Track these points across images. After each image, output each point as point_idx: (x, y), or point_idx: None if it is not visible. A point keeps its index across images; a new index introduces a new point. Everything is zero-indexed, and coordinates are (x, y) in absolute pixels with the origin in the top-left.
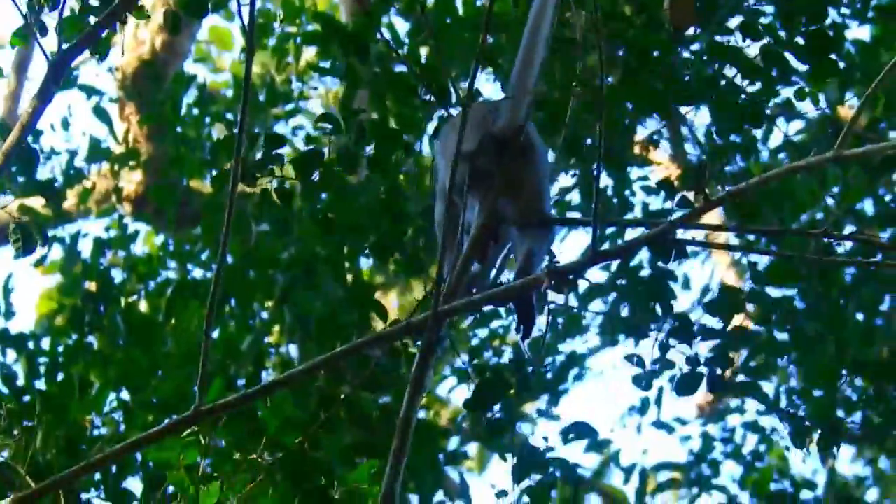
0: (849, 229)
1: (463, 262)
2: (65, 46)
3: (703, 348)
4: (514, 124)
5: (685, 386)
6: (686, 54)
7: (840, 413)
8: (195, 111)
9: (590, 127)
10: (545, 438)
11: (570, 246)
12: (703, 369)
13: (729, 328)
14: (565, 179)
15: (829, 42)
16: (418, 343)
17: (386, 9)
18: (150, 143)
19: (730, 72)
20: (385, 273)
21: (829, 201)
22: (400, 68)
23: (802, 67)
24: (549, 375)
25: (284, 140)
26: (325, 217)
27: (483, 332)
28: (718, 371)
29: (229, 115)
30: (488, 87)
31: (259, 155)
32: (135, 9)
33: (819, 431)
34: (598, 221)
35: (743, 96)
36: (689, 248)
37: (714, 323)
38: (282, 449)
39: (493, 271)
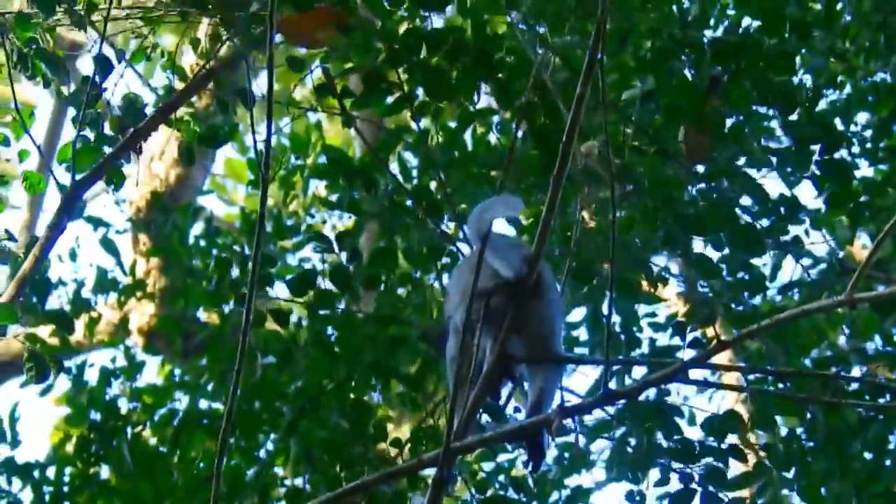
0: (856, 367)
1: (475, 399)
2: (78, 177)
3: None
4: (529, 265)
5: (679, 502)
6: (698, 187)
7: None
8: (202, 242)
9: (595, 260)
10: None
11: (577, 379)
12: (696, 486)
13: (727, 446)
14: (574, 314)
15: (844, 171)
16: (429, 475)
17: (395, 142)
18: (161, 276)
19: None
20: (390, 403)
21: (838, 339)
22: (408, 202)
23: (813, 204)
24: None
25: (275, 261)
26: (330, 348)
27: (489, 466)
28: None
29: (236, 247)
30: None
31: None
32: (169, 122)
33: None
34: (609, 363)
35: (752, 223)
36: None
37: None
38: None
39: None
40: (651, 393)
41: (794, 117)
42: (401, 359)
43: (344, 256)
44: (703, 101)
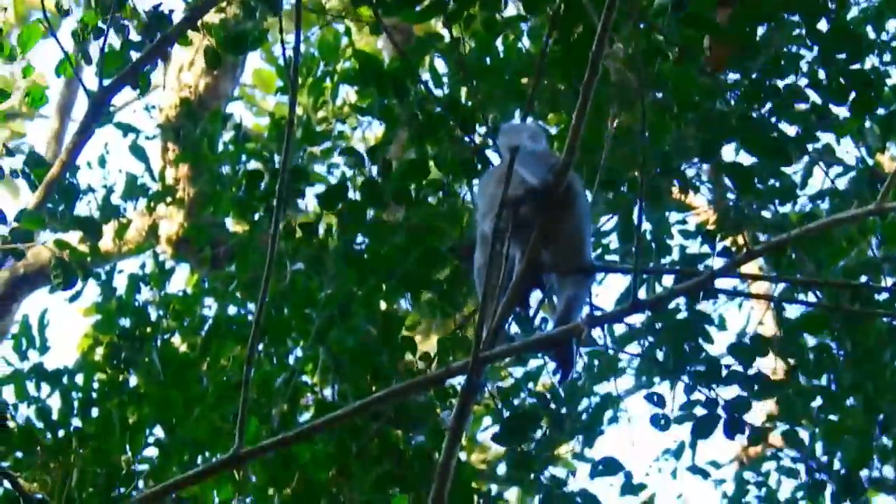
0: (887, 277)
1: (504, 308)
2: (105, 83)
3: (729, 392)
4: (557, 175)
5: (702, 429)
6: (725, 96)
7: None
8: (231, 148)
9: (625, 168)
10: (572, 473)
11: (608, 286)
12: (720, 412)
13: (752, 373)
14: (604, 222)
15: (869, 80)
16: (456, 385)
17: (426, 50)
18: (190, 184)
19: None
20: (420, 312)
21: (867, 247)
22: (438, 109)
23: (843, 113)
24: (583, 417)
25: (308, 174)
26: (361, 256)
27: (518, 371)
28: (736, 415)
29: (265, 154)
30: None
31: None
32: (179, 39)
33: (832, 487)
34: (638, 271)
35: (780, 138)
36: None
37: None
38: (314, 483)
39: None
40: (681, 302)
41: (821, 26)
42: (432, 270)
43: (375, 170)
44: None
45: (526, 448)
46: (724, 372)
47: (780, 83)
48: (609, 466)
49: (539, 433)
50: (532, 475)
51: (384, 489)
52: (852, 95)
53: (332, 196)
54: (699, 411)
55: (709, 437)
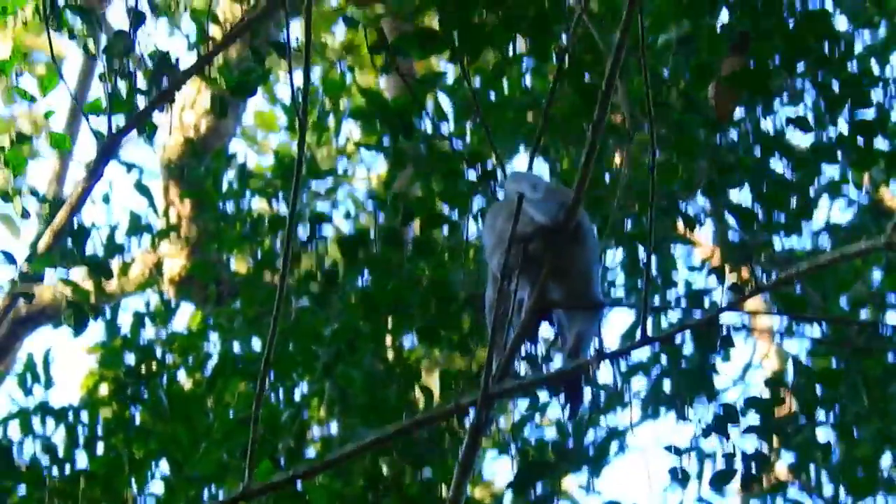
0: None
1: (513, 344)
2: (115, 129)
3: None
4: (567, 210)
5: (719, 481)
6: (729, 140)
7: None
8: (235, 186)
9: (631, 207)
10: None
11: (613, 321)
12: (738, 464)
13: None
14: (609, 256)
15: (873, 129)
16: (465, 422)
17: (431, 88)
18: (193, 223)
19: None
20: (428, 351)
21: (873, 279)
22: (445, 146)
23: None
24: (590, 449)
25: (328, 218)
26: (368, 295)
27: (525, 406)
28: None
29: (269, 190)
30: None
31: (303, 234)
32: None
33: None
34: (647, 306)
35: (784, 178)
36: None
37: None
38: None
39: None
40: (687, 335)
41: (823, 76)
42: (448, 322)
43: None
44: (729, 54)
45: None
46: (742, 421)
47: (785, 112)
48: None
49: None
50: None
51: None
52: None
53: (353, 242)
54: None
55: (726, 486)
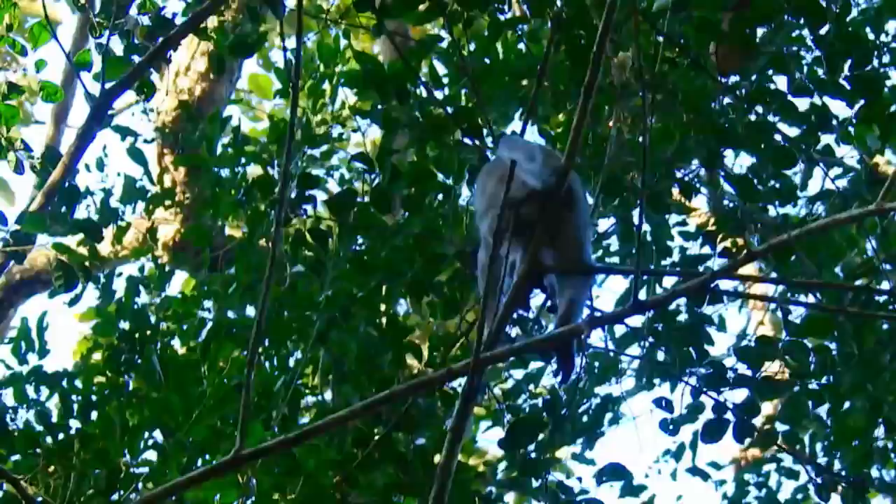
0: (886, 279)
1: (505, 309)
2: (107, 86)
3: (734, 395)
4: (559, 175)
5: (711, 432)
6: (729, 99)
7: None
8: (230, 151)
9: (629, 168)
10: (579, 479)
11: (608, 288)
12: (729, 416)
13: (760, 377)
14: (604, 223)
15: (875, 86)
16: (457, 387)
17: (426, 52)
18: (187, 189)
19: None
20: (421, 315)
21: (868, 247)
22: (439, 111)
23: (844, 113)
24: (584, 419)
25: (318, 180)
26: (361, 258)
27: (518, 373)
28: (745, 419)
29: (264, 156)
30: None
31: (293, 195)
32: (199, 32)
33: (843, 487)
34: (639, 272)
35: (783, 140)
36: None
37: (746, 371)
38: (319, 488)
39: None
40: (681, 304)
41: (824, 31)
42: (435, 275)
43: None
44: (731, 12)
45: (527, 452)
46: (732, 376)
47: (783, 79)
48: (615, 473)
49: (541, 436)
50: (535, 479)
51: (389, 497)
52: (860, 102)
53: (342, 202)
54: (706, 414)
55: (718, 440)
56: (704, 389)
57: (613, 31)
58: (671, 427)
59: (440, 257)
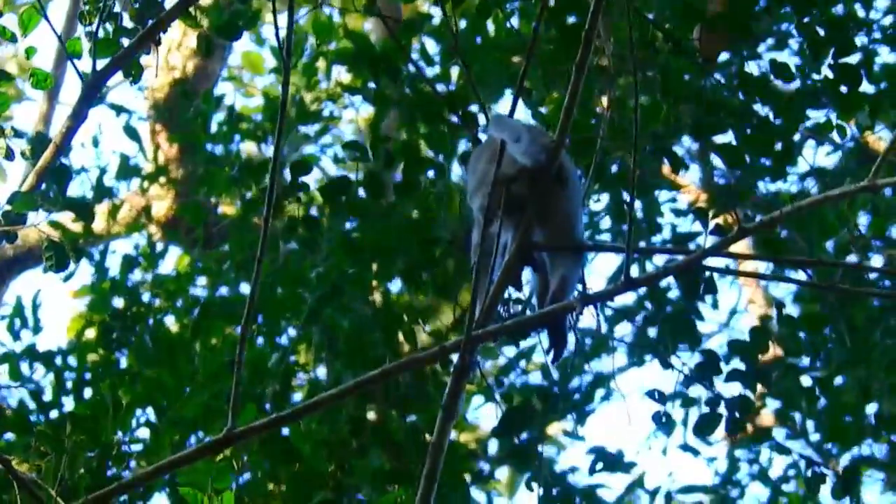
0: (877, 255)
1: (496, 287)
2: (98, 67)
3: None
4: (550, 153)
5: (704, 426)
6: (715, 81)
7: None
8: (224, 129)
9: (616, 150)
10: (573, 469)
11: (599, 266)
12: (722, 410)
13: (754, 371)
14: (595, 203)
15: (857, 75)
16: (450, 367)
17: (416, 31)
18: (180, 166)
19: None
20: (413, 296)
21: (859, 224)
22: (429, 90)
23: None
24: (575, 396)
25: (311, 166)
26: (353, 240)
27: (510, 351)
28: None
29: (258, 134)
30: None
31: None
32: (183, 17)
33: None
34: (630, 250)
35: (770, 122)
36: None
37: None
38: (314, 472)
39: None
40: (672, 282)
41: (808, 18)
42: (429, 259)
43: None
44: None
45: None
46: (725, 368)
47: (770, 56)
48: (605, 459)
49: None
50: (527, 458)
51: (382, 484)
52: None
53: (335, 188)
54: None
55: (711, 434)
56: (696, 381)
57: (605, 11)
58: (664, 421)
59: (434, 241)
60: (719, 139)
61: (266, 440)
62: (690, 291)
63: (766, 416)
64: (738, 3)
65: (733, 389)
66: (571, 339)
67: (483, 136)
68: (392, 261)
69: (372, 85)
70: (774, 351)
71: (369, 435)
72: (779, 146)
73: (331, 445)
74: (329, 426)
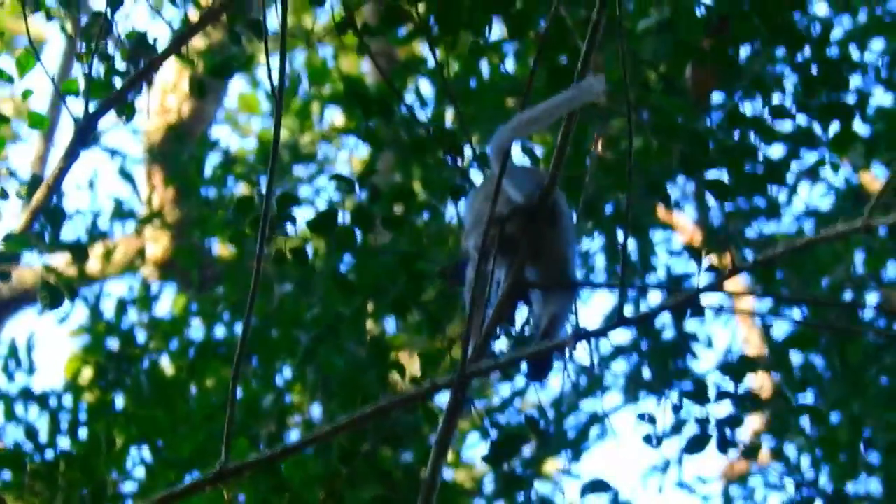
0: (872, 293)
1: (490, 324)
2: (91, 109)
3: (719, 409)
4: (543, 192)
5: (694, 446)
6: (708, 122)
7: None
8: (218, 171)
9: (610, 190)
10: (562, 491)
11: (593, 304)
12: (712, 430)
13: (742, 392)
14: (589, 241)
15: (850, 113)
16: (442, 404)
17: (410, 73)
18: (175, 208)
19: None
20: (407, 333)
21: (853, 263)
22: (423, 132)
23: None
24: (570, 434)
25: (298, 199)
26: (346, 278)
27: (505, 390)
28: (728, 432)
29: (251, 177)
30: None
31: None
32: (181, 57)
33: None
34: (624, 287)
35: (764, 162)
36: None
37: (728, 385)
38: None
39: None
40: (667, 321)
41: (801, 57)
42: (419, 294)
43: (364, 195)
44: (709, 37)
45: (513, 466)
46: (714, 391)
47: (763, 103)
48: (598, 487)
49: (527, 451)
50: (521, 494)
51: None
52: (835, 127)
53: (323, 222)
54: (691, 428)
55: (701, 451)
56: (685, 406)
57: (597, 51)
58: (655, 442)
59: (424, 275)
60: (712, 175)
61: (258, 475)
62: (685, 331)
63: (762, 455)
64: (730, 41)
65: (723, 411)
66: (563, 375)
67: (475, 172)
68: (384, 299)
69: (366, 126)
70: (769, 389)
71: (361, 466)
72: (772, 189)
73: (321, 478)
74: (323, 463)
